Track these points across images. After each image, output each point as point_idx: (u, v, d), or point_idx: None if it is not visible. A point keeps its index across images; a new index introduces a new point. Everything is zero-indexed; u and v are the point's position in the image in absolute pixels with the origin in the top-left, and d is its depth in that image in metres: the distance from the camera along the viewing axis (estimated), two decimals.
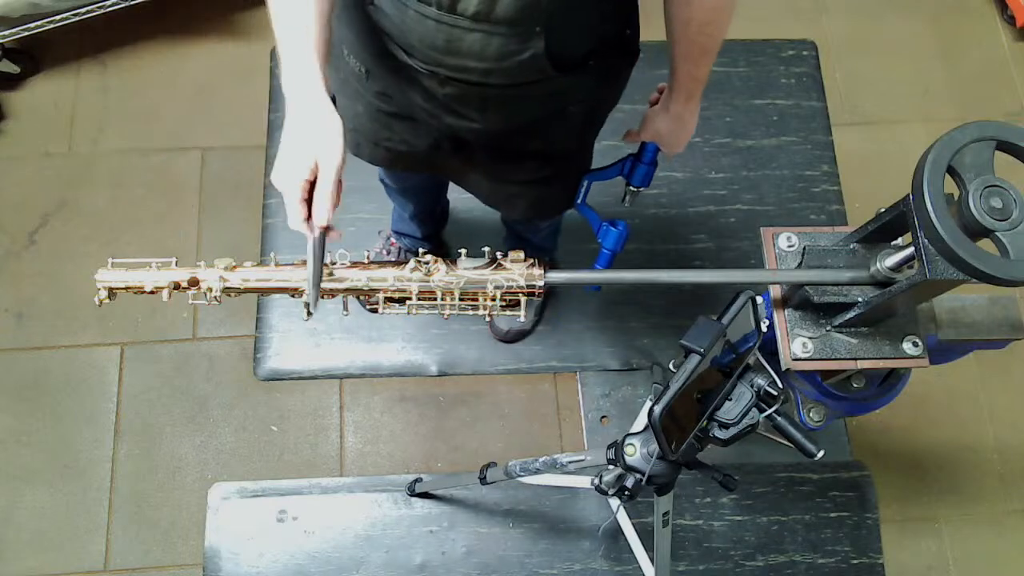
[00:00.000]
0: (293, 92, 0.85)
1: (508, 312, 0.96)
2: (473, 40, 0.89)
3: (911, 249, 0.83)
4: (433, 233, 1.92)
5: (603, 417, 1.94)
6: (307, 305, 0.91)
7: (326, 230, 0.85)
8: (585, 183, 1.32)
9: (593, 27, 0.99)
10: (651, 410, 0.83)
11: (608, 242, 1.31)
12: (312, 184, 0.83)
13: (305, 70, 0.84)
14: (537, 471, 1.30)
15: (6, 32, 1.95)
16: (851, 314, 0.92)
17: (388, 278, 0.92)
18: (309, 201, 0.84)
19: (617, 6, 1.03)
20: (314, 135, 0.83)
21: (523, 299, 0.95)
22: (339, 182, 0.84)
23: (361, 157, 1.31)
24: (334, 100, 0.86)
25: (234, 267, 0.92)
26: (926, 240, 0.78)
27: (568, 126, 1.19)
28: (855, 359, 0.95)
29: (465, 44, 0.90)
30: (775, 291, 1.00)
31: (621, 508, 1.60)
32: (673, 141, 1.20)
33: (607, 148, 1.38)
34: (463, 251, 0.95)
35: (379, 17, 0.96)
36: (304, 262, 0.91)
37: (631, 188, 1.32)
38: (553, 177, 1.27)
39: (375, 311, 0.95)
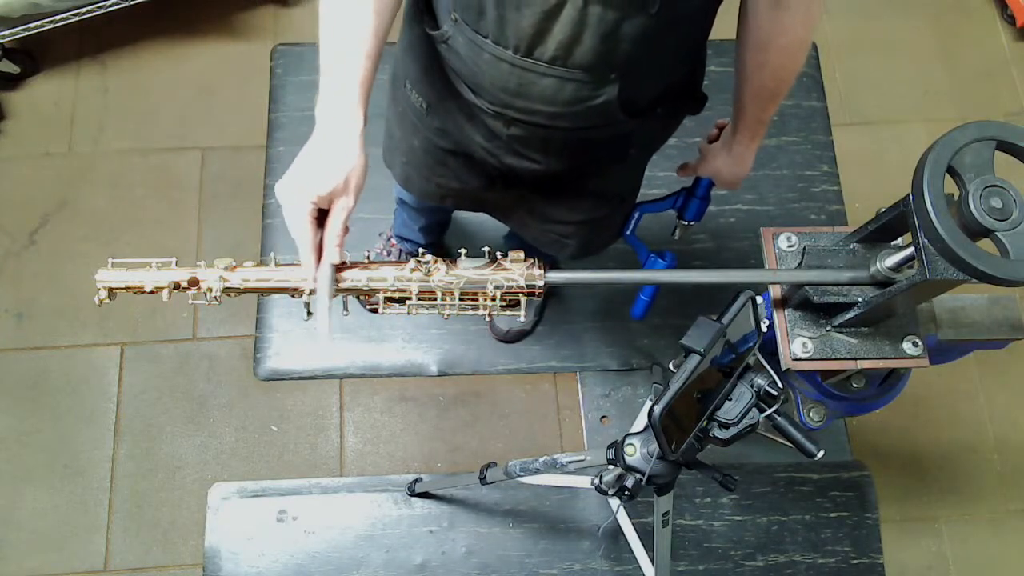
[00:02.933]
0: (329, 120, 0.82)
1: (508, 312, 0.96)
2: (546, 85, 0.89)
3: (911, 249, 0.83)
4: (436, 240, 1.92)
5: (603, 417, 1.94)
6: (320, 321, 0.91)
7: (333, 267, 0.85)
8: (636, 214, 1.32)
9: (666, 74, 0.99)
10: (651, 410, 0.83)
11: None
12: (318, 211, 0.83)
13: (346, 103, 0.82)
14: (537, 471, 1.30)
15: (6, 32, 1.95)
16: (851, 314, 0.92)
17: (388, 278, 0.92)
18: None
19: (690, 53, 1.03)
20: (339, 169, 0.81)
21: (523, 299, 0.95)
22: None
23: (410, 191, 1.30)
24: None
25: (234, 267, 0.92)
26: (926, 240, 0.78)
27: (628, 167, 1.19)
28: (855, 359, 0.95)
29: (537, 88, 0.90)
30: (775, 291, 1.00)
31: (621, 508, 1.60)
32: (730, 179, 1.20)
33: (650, 178, 1.38)
34: (463, 251, 0.95)
35: (450, 56, 0.96)
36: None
37: (682, 222, 1.32)
38: (606, 217, 1.27)
39: (375, 311, 0.95)
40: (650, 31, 0.83)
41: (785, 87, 1.02)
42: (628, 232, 1.33)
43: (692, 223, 1.32)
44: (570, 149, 1.03)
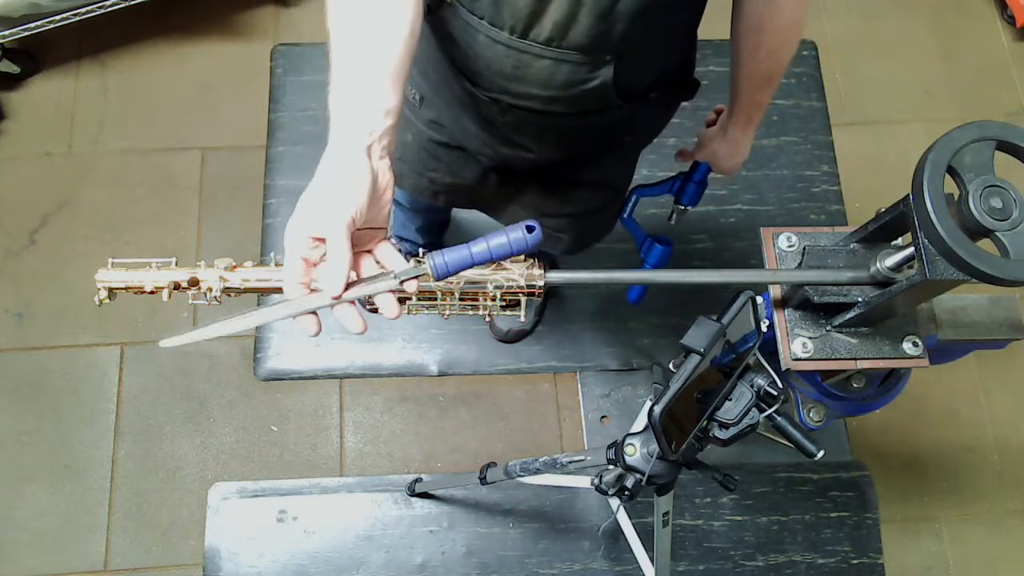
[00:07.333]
0: (343, 146, 0.73)
1: (508, 312, 0.96)
2: (542, 66, 0.88)
3: (911, 249, 0.83)
4: (435, 240, 1.92)
5: (603, 417, 1.94)
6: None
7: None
8: (634, 197, 1.32)
9: (661, 57, 0.98)
10: (651, 410, 0.83)
11: (651, 258, 1.31)
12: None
13: (367, 127, 0.72)
14: (537, 471, 1.30)
15: (6, 32, 1.95)
16: (851, 314, 0.92)
17: None
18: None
19: (684, 35, 1.03)
20: (358, 183, 0.73)
21: (523, 299, 0.95)
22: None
23: (402, 187, 1.29)
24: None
25: (234, 267, 0.92)
26: (926, 240, 0.77)
27: (622, 156, 1.19)
28: (855, 359, 0.95)
29: (533, 71, 0.89)
30: (775, 291, 1.00)
31: (621, 508, 1.60)
32: (727, 164, 1.20)
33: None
34: None
35: (445, 41, 0.96)
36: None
37: (679, 206, 1.32)
38: (599, 209, 1.27)
39: (375, 311, 0.95)
40: (646, 9, 0.82)
41: (780, 70, 1.02)
42: (625, 215, 1.33)
43: (688, 208, 1.31)
44: (565, 136, 1.03)
